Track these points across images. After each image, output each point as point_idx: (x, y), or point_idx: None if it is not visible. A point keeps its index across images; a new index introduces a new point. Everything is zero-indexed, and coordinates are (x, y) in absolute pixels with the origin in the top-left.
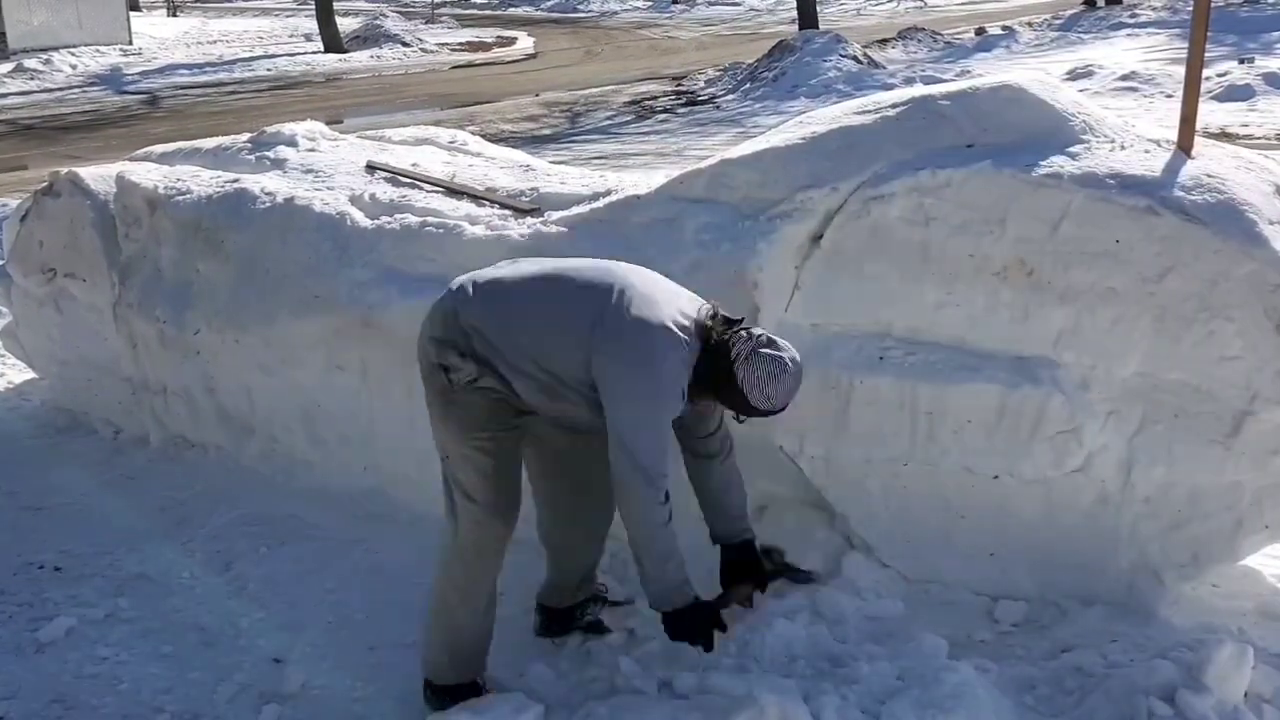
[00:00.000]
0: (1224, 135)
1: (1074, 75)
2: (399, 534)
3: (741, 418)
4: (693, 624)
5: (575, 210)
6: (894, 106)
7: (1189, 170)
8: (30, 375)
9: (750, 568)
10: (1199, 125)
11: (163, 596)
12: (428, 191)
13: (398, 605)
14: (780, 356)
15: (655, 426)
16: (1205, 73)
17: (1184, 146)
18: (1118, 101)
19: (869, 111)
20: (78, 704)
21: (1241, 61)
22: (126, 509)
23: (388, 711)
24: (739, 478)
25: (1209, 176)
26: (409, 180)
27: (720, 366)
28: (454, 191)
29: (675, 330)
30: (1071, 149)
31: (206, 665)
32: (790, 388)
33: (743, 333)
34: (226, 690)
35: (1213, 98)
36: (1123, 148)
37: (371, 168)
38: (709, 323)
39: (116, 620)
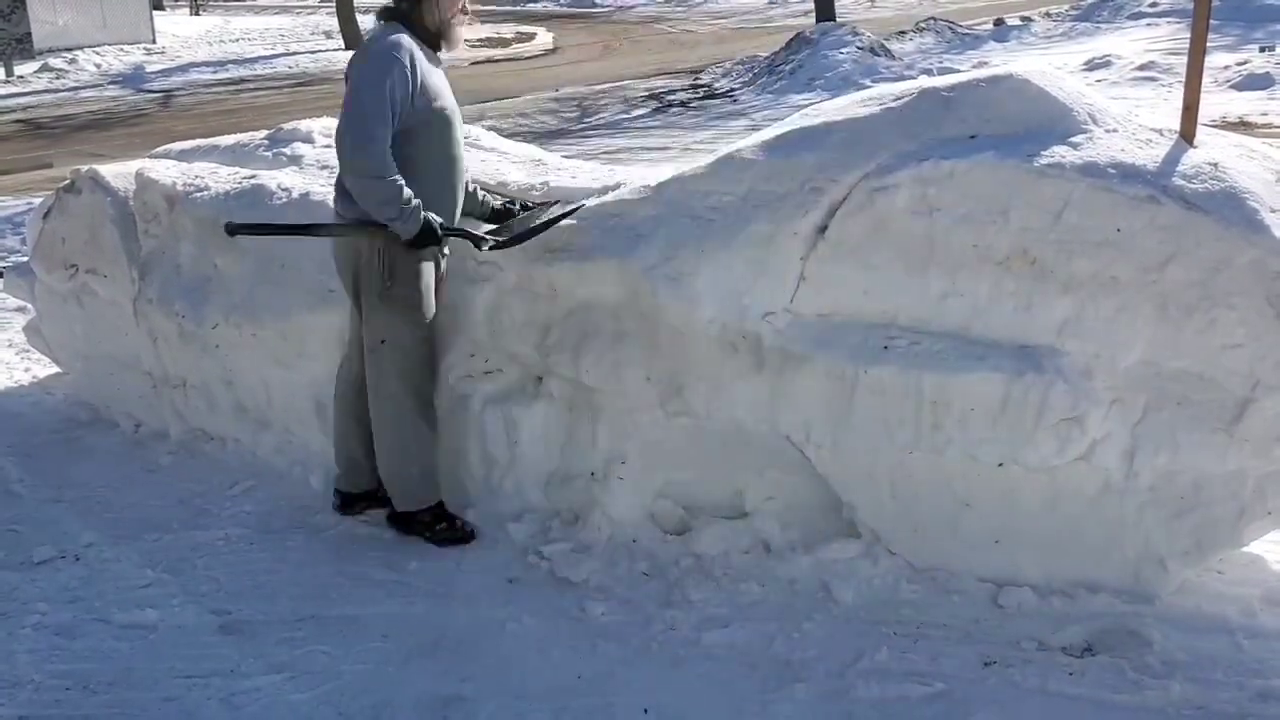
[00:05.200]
0: (1243, 124)
1: (1091, 65)
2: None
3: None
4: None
5: (586, 203)
6: (898, 98)
7: (1191, 159)
8: (54, 369)
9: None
10: (1216, 114)
11: (182, 587)
12: None
13: (411, 595)
14: None
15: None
16: (1225, 61)
17: (1186, 135)
18: (1136, 91)
19: (873, 103)
20: (99, 688)
21: (1262, 50)
22: (147, 501)
23: (407, 697)
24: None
25: (1211, 165)
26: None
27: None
28: None
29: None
30: (1074, 139)
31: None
32: None
33: None
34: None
35: (1232, 86)
36: (1125, 137)
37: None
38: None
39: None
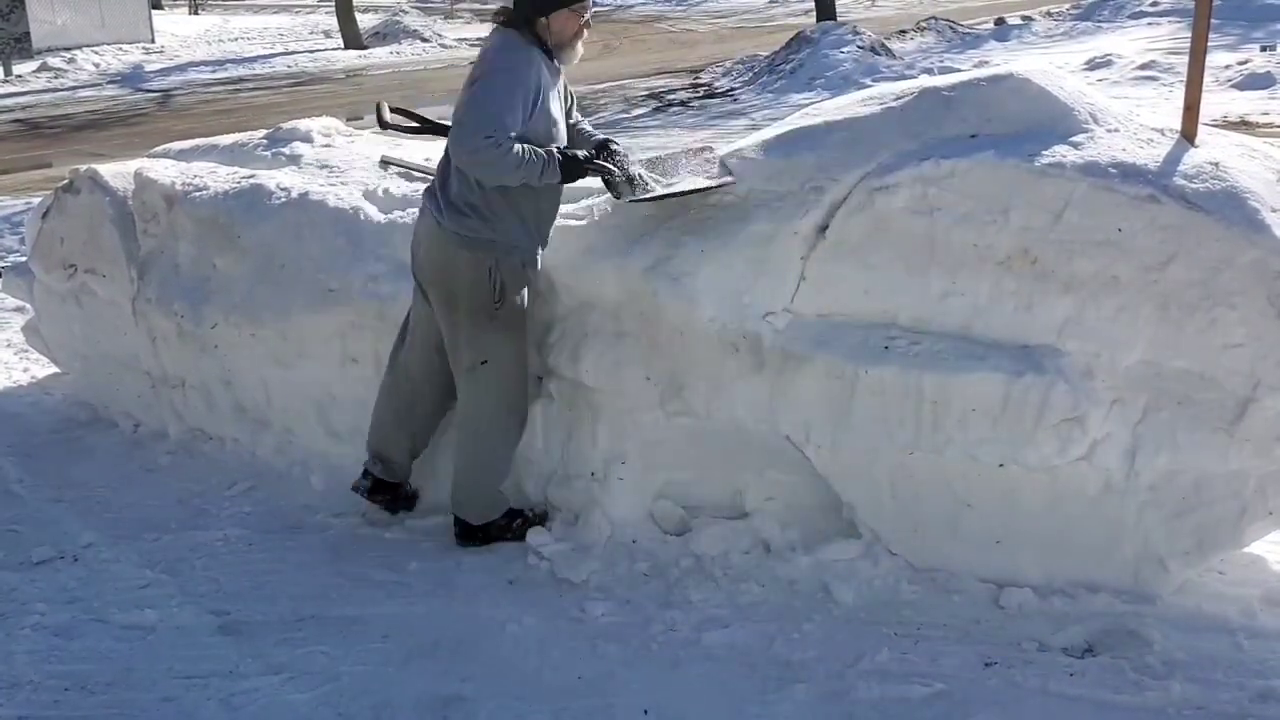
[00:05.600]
0: (1244, 124)
1: (1093, 65)
2: (412, 523)
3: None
4: (576, 170)
5: (584, 202)
6: (898, 97)
7: (1192, 158)
8: (53, 369)
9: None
10: (1218, 113)
11: (181, 587)
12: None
13: (411, 595)
14: None
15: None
16: (1226, 60)
17: (1187, 134)
18: (1137, 91)
19: (874, 102)
20: (98, 689)
21: (1263, 49)
22: (146, 501)
23: (407, 697)
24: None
25: (1212, 164)
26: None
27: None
28: None
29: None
30: (1074, 138)
31: (222, 658)
32: None
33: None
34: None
35: (1234, 85)
36: (1126, 136)
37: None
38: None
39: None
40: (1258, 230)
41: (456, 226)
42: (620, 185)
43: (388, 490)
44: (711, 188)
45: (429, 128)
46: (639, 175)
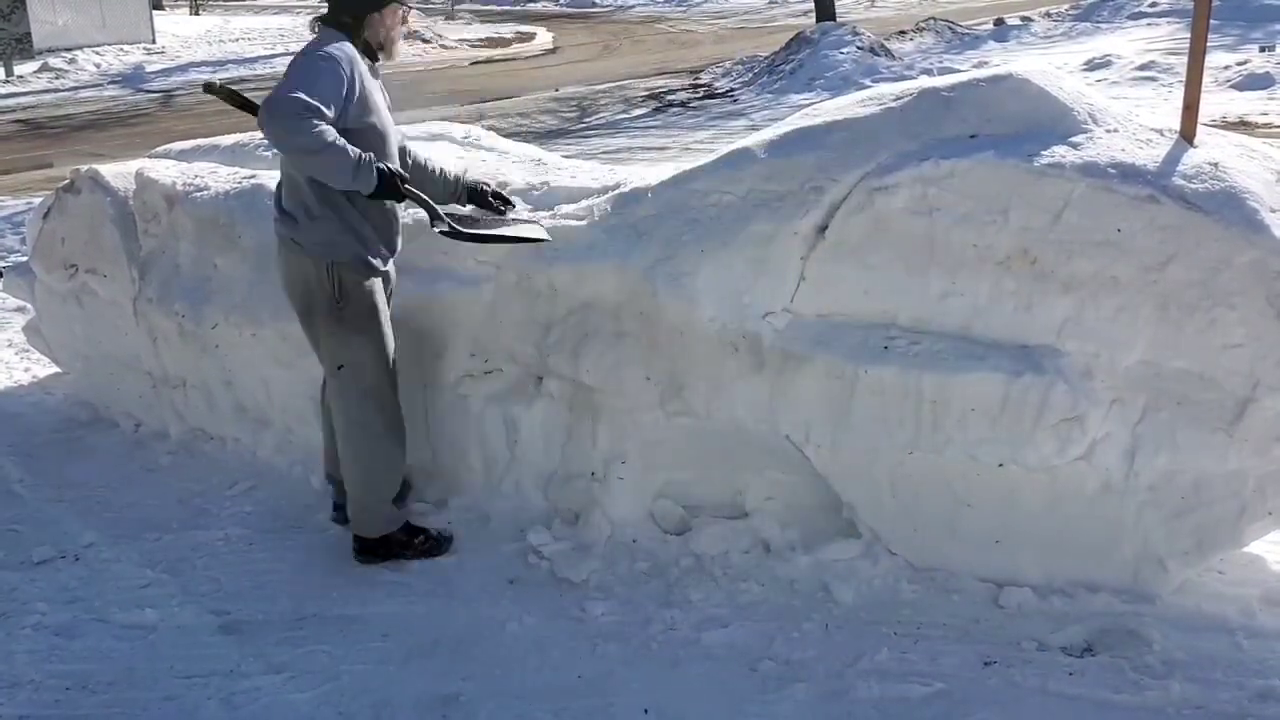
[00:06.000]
0: (1243, 124)
1: (1092, 65)
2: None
3: None
4: (391, 187)
5: (585, 203)
6: (898, 98)
7: (1191, 159)
8: (54, 369)
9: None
10: (1217, 114)
11: (181, 587)
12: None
13: (412, 595)
14: None
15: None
16: (1225, 61)
17: (1186, 135)
18: (1136, 91)
19: (873, 102)
20: (99, 688)
21: (1263, 49)
22: (147, 501)
23: (407, 697)
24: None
25: (1210, 165)
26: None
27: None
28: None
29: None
30: (1074, 138)
31: (222, 657)
32: None
33: None
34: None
35: (1232, 86)
36: (1125, 137)
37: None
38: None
39: (136, 609)
40: (1257, 230)
41: (291, 233)
42: (441, 220)
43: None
44: (533, 240)
45: (247, 105)
46: (469, 217)
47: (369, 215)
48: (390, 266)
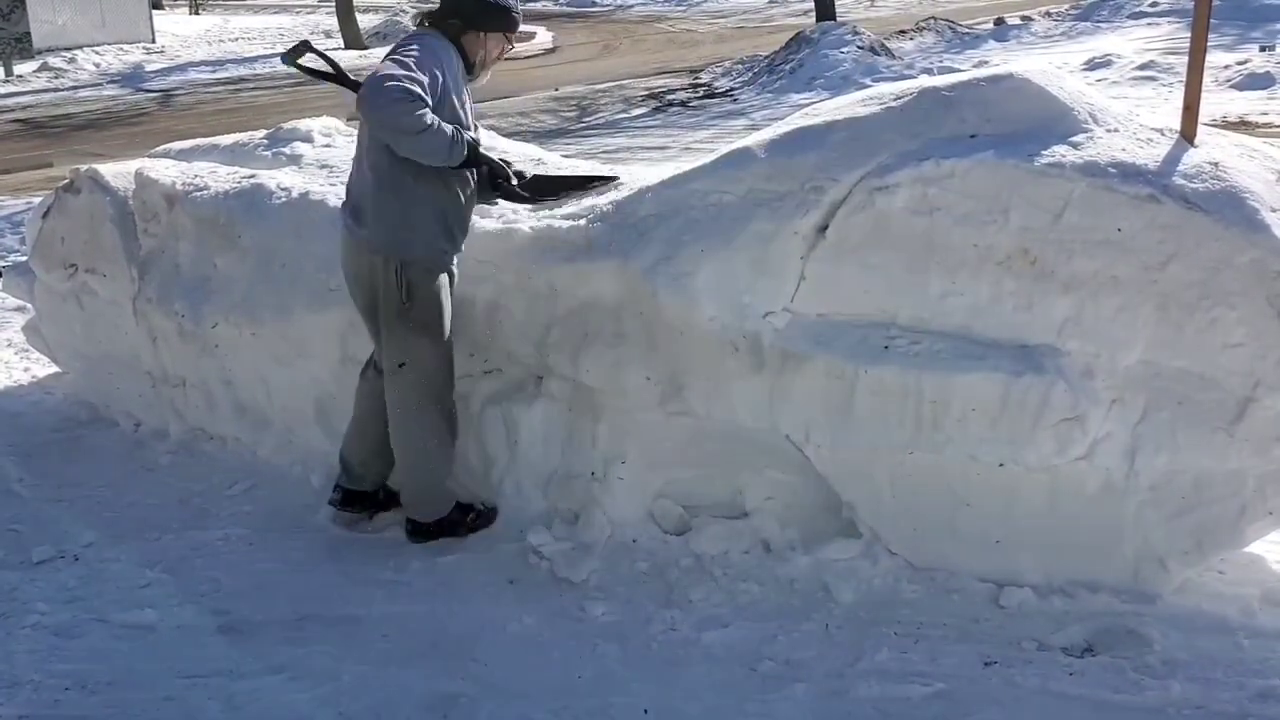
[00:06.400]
0: (1243, 124)
1: (1092, 65)
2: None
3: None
4: (475, 155)
5: (585, 202)
6: (898, 97)
7: (1191, 158)
8: (53, 369)
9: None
10: (1217, 114)
11: (181, 587)
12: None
13: (412, 595)
14: None
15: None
16: (1225, 60)
17: (1187, 134)
18: (1136, 91)
19: (874, 102)
20: (98, 688)
21: (1263, 49)
22: (146, 501)
23: (407, 697)
24: None
25: (1211, 164)
26: (334, 77)
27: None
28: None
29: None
30: (1074, 138)
31: (222, 657)
32: None
33: None
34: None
35: (1232, 86)
36: (1125, 136)
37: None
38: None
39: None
40: (1257, 230)
41: (364, 233)
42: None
43: (360, 499)
44: (602, 179)
45: (340, 78)
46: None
47: (445, 214)
48: (455, 261)
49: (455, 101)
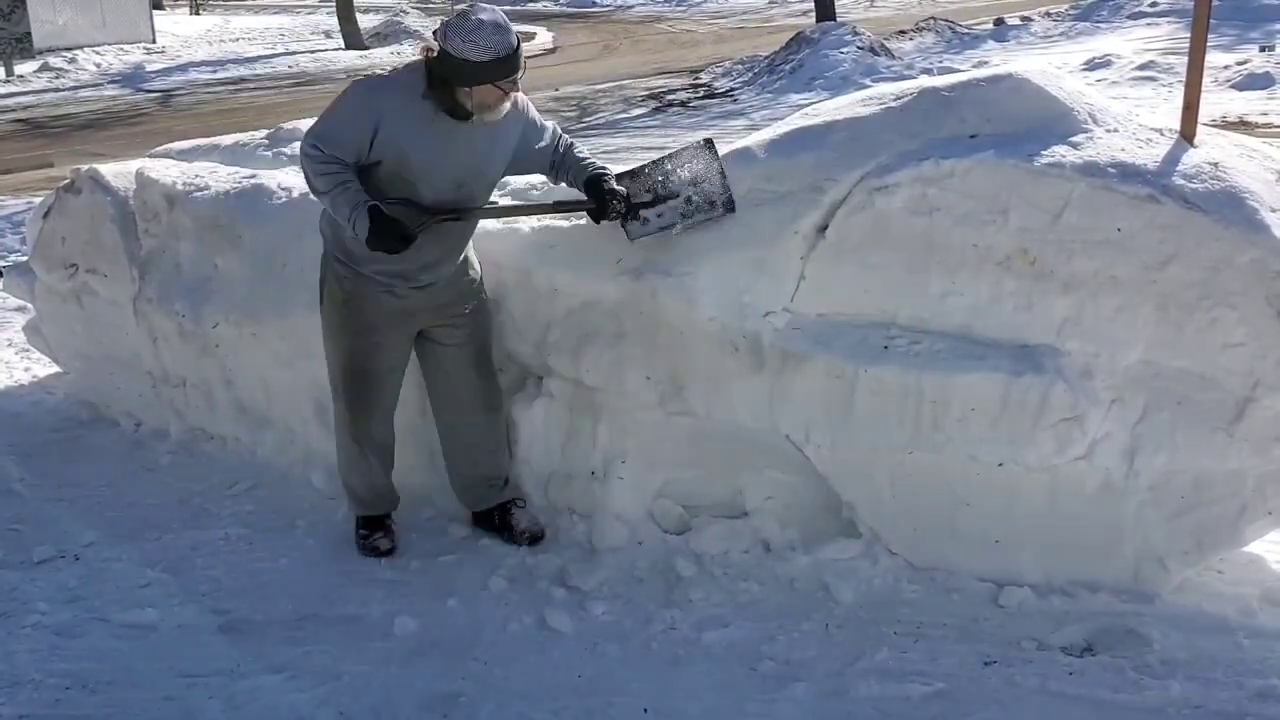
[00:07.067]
0: (1243, 124)
1: (1092, 65)
2: (412, 523)
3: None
4: (386, 233)
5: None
6: (898, 98)
7: (1191, 158)
8: (54, 369)
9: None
10: (1216, 114)
11: (181, 586)
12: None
13: (412, 595)
14: (469, 11)
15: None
16: (1225, 60)
17: (1186, 134)
18: (1136, 91)
19: (873, 102)
20: (99, 688)
21: (1262, 49)
22: (147, 500)
23: (407, 697)
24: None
25: (1210, 164)
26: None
27: (440, 62)
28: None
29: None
30: (1074, 138)
31: (222, 657)
32: (491, 29)
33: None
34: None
35: (1232, 86)
36: (1125, 136)
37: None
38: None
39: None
40: (1257, 230)
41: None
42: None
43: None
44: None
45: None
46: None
47: (351, 242)
48: (414, 290)
49: (410, 148)
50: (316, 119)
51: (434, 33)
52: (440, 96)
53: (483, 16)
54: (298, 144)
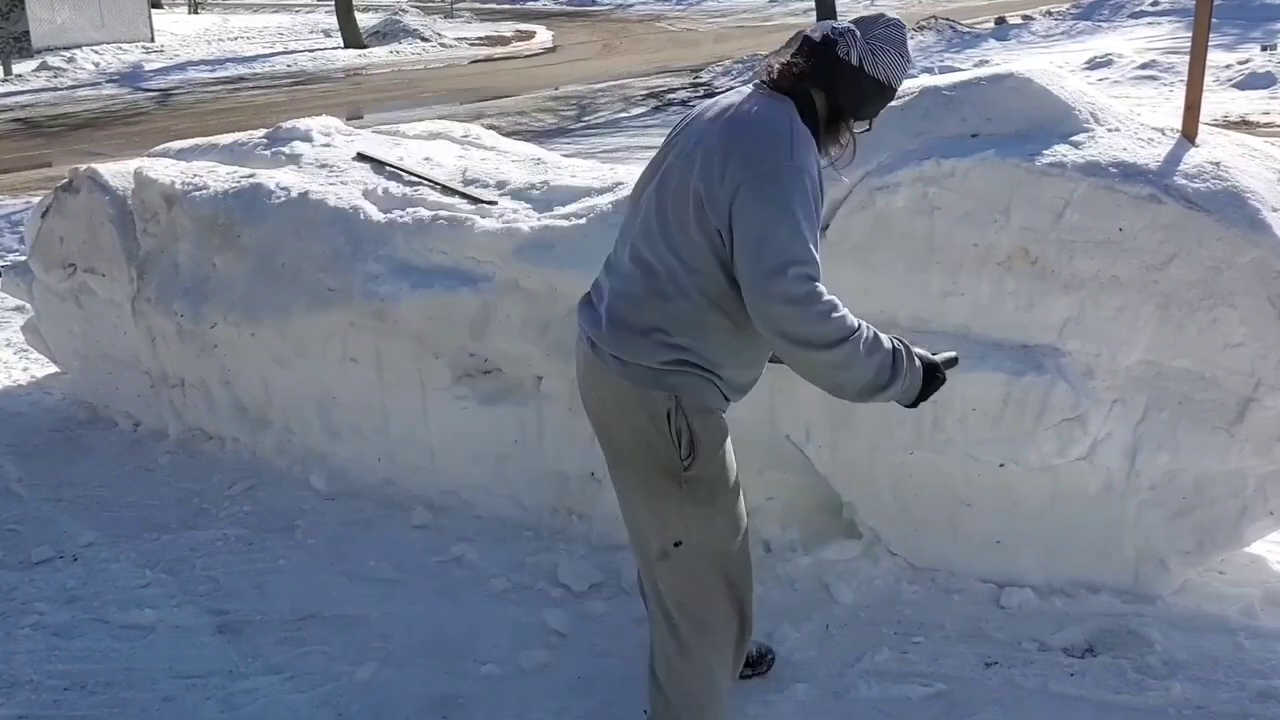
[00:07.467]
0: (1245, 123)
1: (1093, 64)
2: (412, 523)
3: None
4: (930, 385)
5: (585, 202)
6: (899, 97)
7: (1192, 158)
8: (52, 369)
9: None
10: (1218, 113)
11: (180, 587)
12: (406, 182)
13: (412, 595)
14: (889, 26)
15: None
16: (1227, 60)
17: (1188, 134)
18: (1138, 90)
19: None
20: (97, 688)
21: (1264, 49)
22: (146, 500)
23: (406, 697)
24: None
25: (1212, 164)
26: (392, 169)
27: (841, 84)
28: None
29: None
30: (1075, 138)
31: (222, 657)
32: (902, 33)
33: (817, 41)
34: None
35: (1234, 85)
36: (1127, 136)
37: (361, 157)
38: (773, 79)
39: (135, 609)
40: (1258, 230)
41: (650, 358)
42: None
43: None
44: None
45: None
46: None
47: (747, 354)
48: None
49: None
50: (767, 237)
51: (824, 38)
52: (826, 138)
53: (893, 16)
54: (297, 143)
